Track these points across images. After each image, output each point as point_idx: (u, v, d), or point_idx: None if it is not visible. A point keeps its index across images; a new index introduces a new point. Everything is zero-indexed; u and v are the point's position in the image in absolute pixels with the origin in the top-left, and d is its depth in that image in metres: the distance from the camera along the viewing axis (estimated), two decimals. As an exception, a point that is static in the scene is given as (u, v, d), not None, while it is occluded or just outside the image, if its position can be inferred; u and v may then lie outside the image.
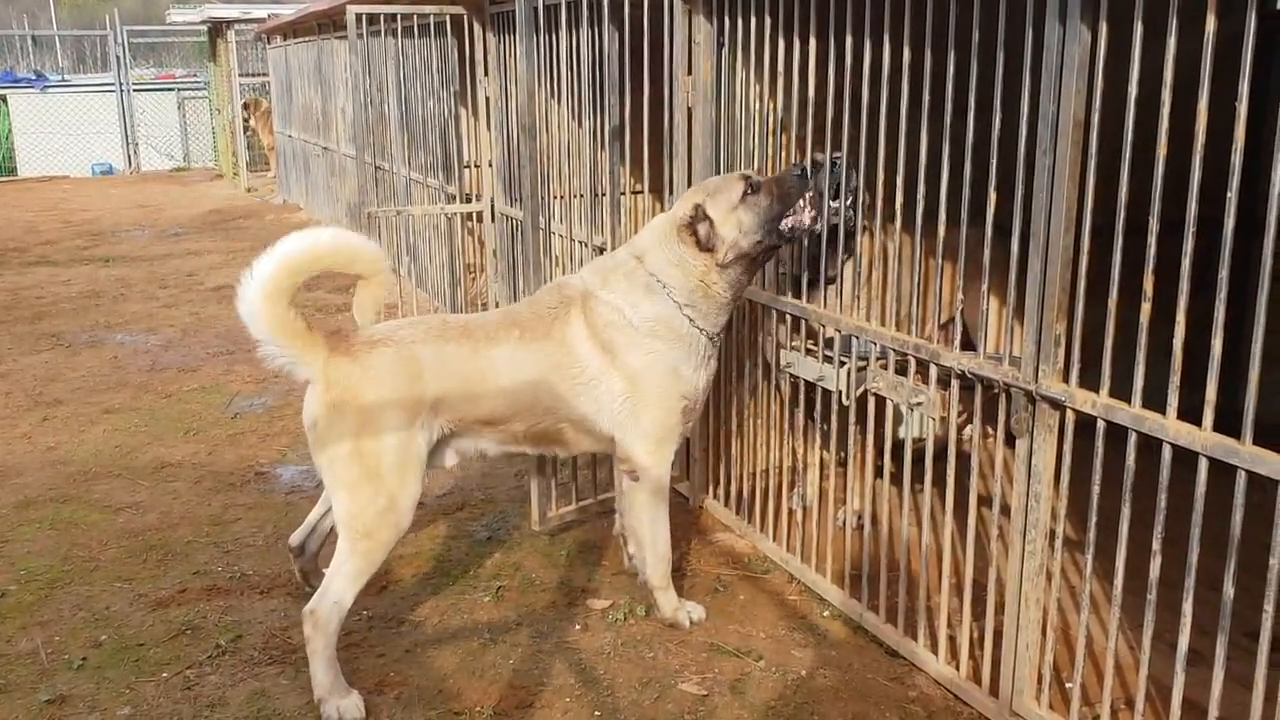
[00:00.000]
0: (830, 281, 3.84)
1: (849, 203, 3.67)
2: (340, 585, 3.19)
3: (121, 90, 20.91)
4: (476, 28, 6.65)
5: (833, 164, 3.71)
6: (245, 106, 17.46)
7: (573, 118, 4.89)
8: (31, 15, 35.52)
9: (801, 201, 3.47)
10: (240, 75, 16.91)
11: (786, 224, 3.47)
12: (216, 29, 17.32)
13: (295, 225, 12.96)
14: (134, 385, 6.64)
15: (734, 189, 3.46)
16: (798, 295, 3.88)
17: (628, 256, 3.55)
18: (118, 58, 20.98)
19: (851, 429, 3.67)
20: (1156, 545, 2.53)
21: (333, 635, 3.16)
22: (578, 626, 3.67)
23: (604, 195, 4.56)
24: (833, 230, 3.71)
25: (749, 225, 3.43)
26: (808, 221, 3.49)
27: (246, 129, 17.54)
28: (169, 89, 22.16)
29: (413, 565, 4.13)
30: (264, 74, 17.04)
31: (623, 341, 3.45)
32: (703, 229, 3.42)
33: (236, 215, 14.49)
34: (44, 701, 3.24)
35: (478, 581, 4.00)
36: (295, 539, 3.75)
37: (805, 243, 3.87)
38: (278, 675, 3.38)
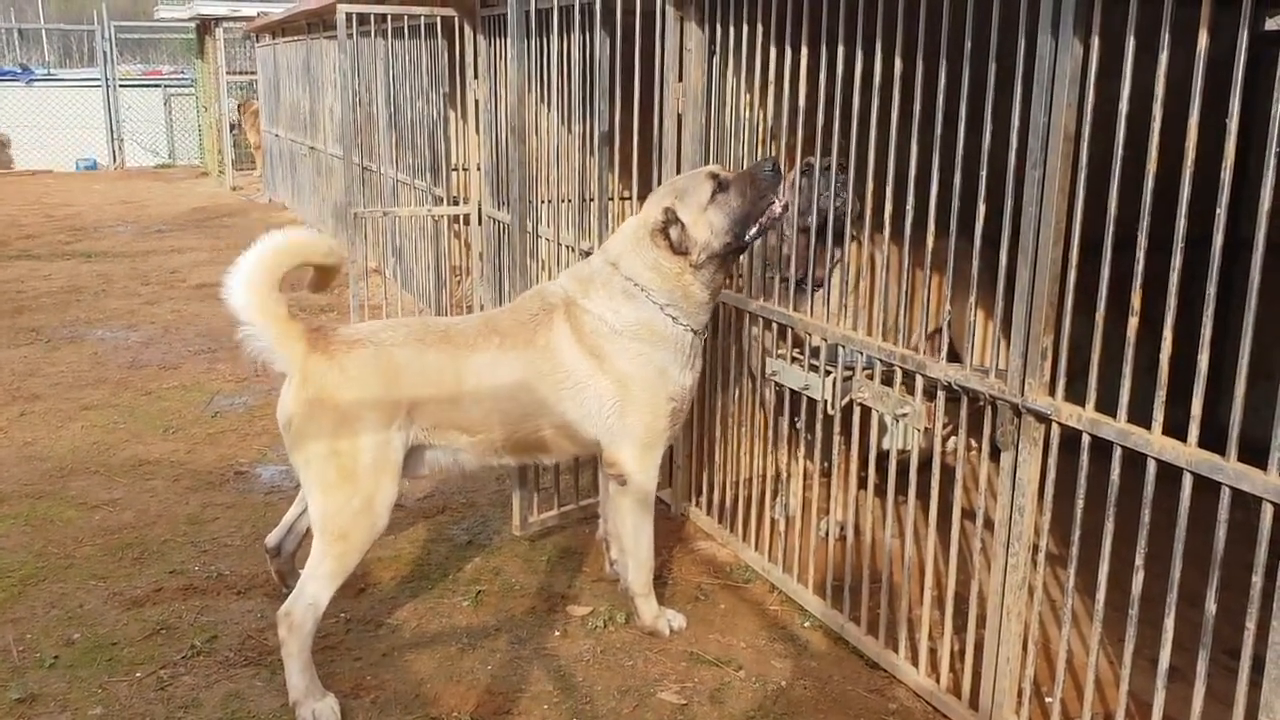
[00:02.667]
0: (818, 285, 3.84)
1: (838, 201, 3.66)
2: (315, 587, 3.16)
3: (107, 86, 20.82)
4: (467, 30, 6.63)
5: (825, 169, 3.71)
6: (239, 108, 17.39)
7: (562, 122, 4.87)
8: (18, 8, 35.32)
9: (780, 191, 3.44)
10: (228, 73, 16.84)
11: (758, 220, 3.42)
12: (205, 26, 17.25)
13: (280, 225, 12.90)
14: (113, 382, 6.58)
15: (703, 189, 3.41)
16: (785, 300, 3.87)
17: (603, 264, 3.52)
18: (104, 53, 20.88)
19: (836, 439, 3.66)
20: (1139, 561, 2.53)
21: (308, 637, 3.13)
22: (557, 633, 3.65)
23: (592, 200, 4.54)
24: (822, 229, 3.70)
25: (720, 226, 3.39)
26: (778, 211, 3.44)
27: (234, 127, 17.46)
28: (155, 85, 22.05)
29: (391, 568, 4.10)
30: (252, 72, 16.98)
31: (609, 348, 3.43)
32: (674, 232, 3.38)
33: (221, 213, 14.42)
34: (14, 700, 3.19)
35: (457, 586, 3.97)
36: (272, 539, 3.71)
37: (795, 240, 3.86)
38: (253, 677, 3.34)
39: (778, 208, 3.44)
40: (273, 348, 3.15)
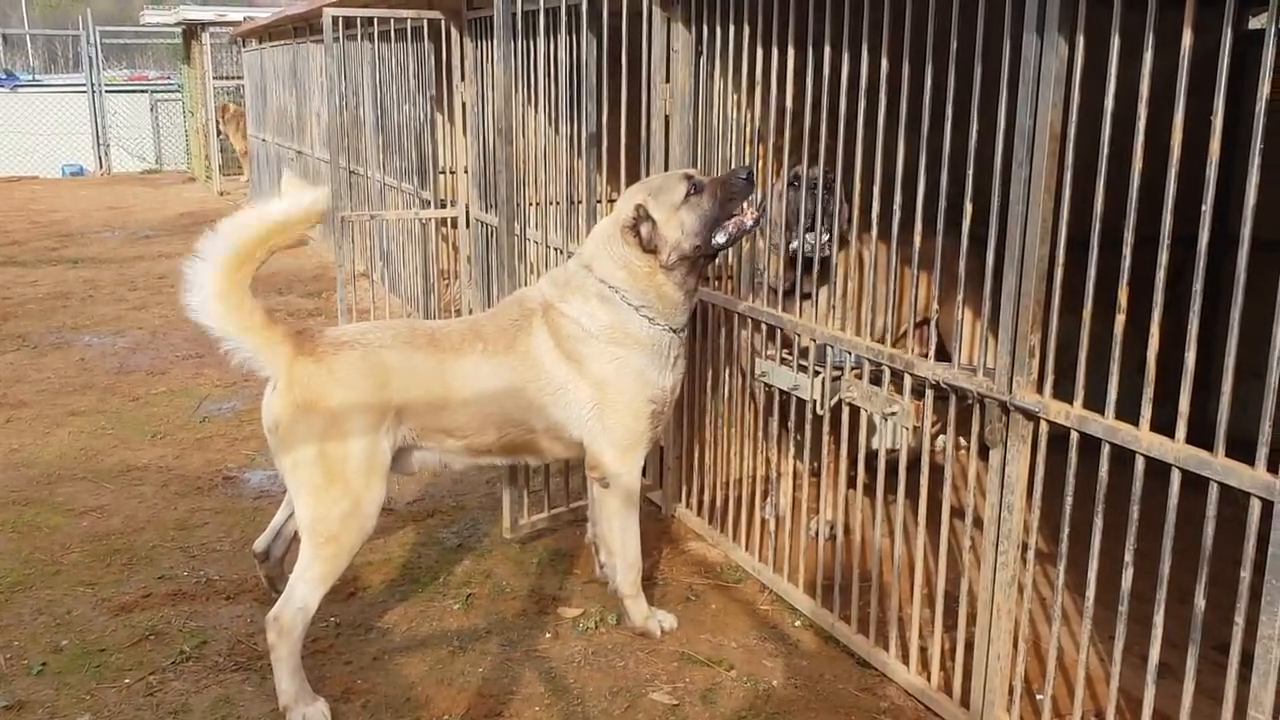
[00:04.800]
0: (806, 297, 3.85)
1: (825, 237, 3.66)
2: (304, 591, 3.14)
3: (93, 91, 20.72)
4: (454, 33, 6.63)
5: (813, 185, 3.69)
6: (220, 111, 17.35)
7: (550, 124, 4.87)
8: (2, 14, 35.19)
9: (744, 203, 3.44)
10: (215, 78, 16.79)
11: (729, 227, 3.40)
12: (191, 31, 17.21)
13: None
14: (101, 387, 6.55)
15: (677, 189, 3.40)
16: (775, 304, 3.88)
17: (577, 267, 3.52)
18: (90, 58, 20.79)
19: (825, 439, 3.67)
20: (1128, 557, 2.54)
21: (297, 642, 3.12)
22: (548, 635, 3.64)
23: (580, 202, 4.54)
24: (809, 260, 3.71)
25: (691, 227, 3.37)
26: (749, 223, 3.42)
27: (219, 133, 17.41)
28: (142, 90, 21.96)
29: (382, 572, 4.08)
30: (238, 77, 16.92)
31: (586, 352, 3.43)
32: (645, 229, 3.37)
33: (208, 218, 14.21)
34: (2, 707, 3.17)
35: (447, 589, 3.96)
36: (260, 544, 3.70)
37: (781, 261, 3.87)
38: (242, 682, 3.33)
39: (748, 220, 3.42)
40: (257, 356, 3.13)
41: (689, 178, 3.43)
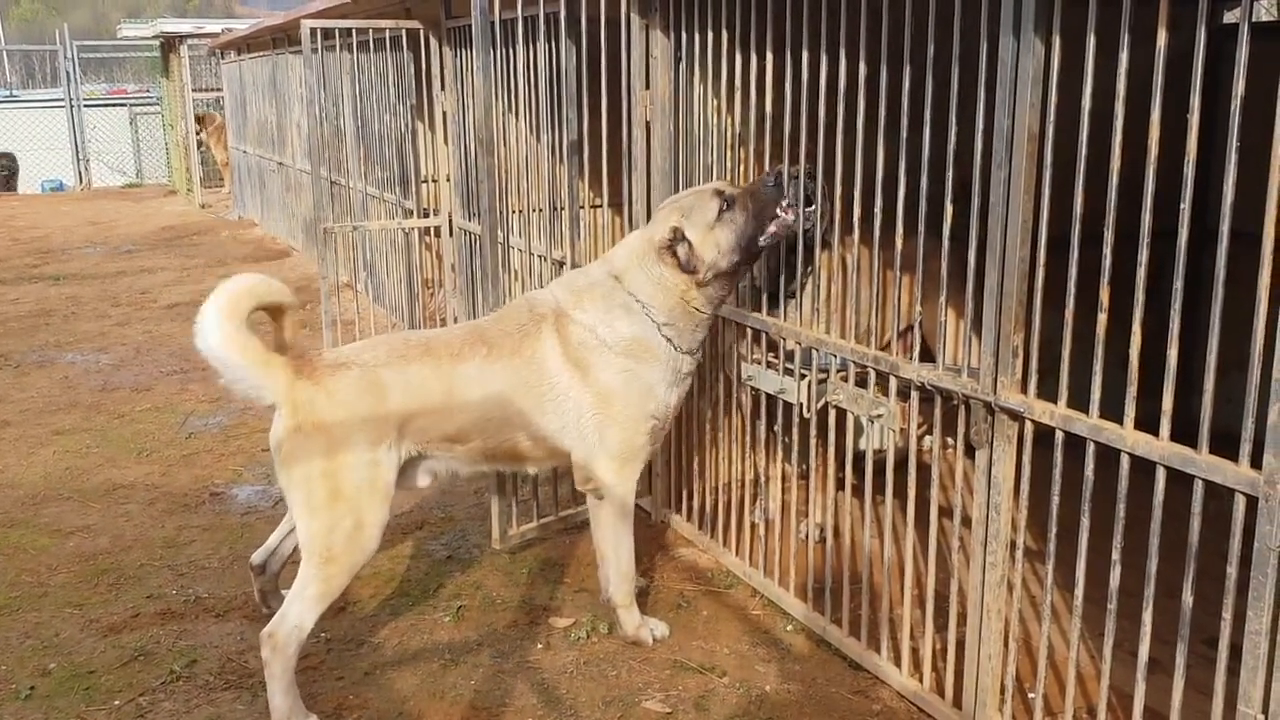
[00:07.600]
0: (791, 296, 3.85)
1: (809, 215, 3.66)
2: (301, 609, 3.13)
3: (72, 106, 20.60)
4: (433, 42, 6.62)
5: (794, 178, 3.71)
6: (198, 120, 17.27)
7: (531, 132, 4.87)
8: (-21, 30, 34.99)
9: (785, 201, 3.44)
10: (194, 90, 16.72)
11: (771, 228, 3.43)
12: (169, 44, 17.13)
13: (250, 241, 12.85)
14: (85, 405, 6.51)
15: (709, 208, 3.40)
16: (759, 308, 3.88)
17: (605, 275, 3.51)
18: (68, 73, 20.68)
19: (812, 441, 3.67)
20: (1116, 555, 2.54)
21: (291, 659, 3.11)
22: (540, 645, 3.64)
23: (563, 209, 4.54)
24: (793, 245, 3.71)
25: (727, 245, 3.39)
26: (791, 219, 3.43)
27: (200, 144, 17.34)
28: (121, 104, 21.86)
29: (371, 585, 4.07)
30: (218, 89, 16.86)
31: (596, 361, 3.42)
32: (682, 251, 3.38)
33: (190, 232, 14.31)
34: (-10, 733, 3.16)
35: (438, 601, 3.95)
36: (257, 558, 3.68)
37: (767, 256, 3.87)
38: (234, 700, 3.31)
39: (790, 216, 3.44)
40: (259, 384, 3.11)
41: (720, 194, 3.42)
